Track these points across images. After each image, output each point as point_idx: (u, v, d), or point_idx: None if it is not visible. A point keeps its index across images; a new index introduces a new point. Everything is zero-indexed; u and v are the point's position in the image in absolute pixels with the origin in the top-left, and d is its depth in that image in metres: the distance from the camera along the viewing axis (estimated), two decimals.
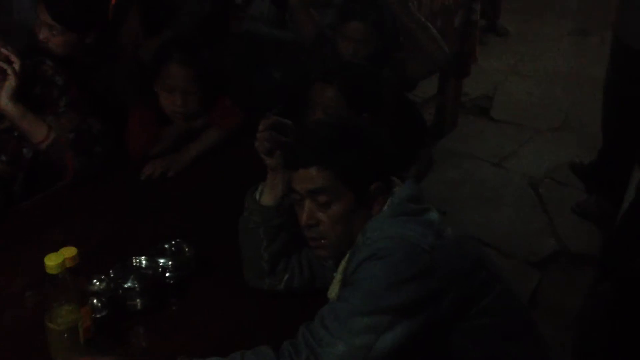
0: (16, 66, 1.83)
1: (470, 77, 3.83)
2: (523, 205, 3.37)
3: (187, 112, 2.20)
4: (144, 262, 1.57)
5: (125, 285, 1.50)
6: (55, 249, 1.33)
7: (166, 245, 1.62)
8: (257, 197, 1.55)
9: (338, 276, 1.41)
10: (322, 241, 1.41)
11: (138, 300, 1.50)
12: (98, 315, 1.46)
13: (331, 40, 2.65)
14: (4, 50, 1.82)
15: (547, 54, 4.99)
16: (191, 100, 2.19)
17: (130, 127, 2.22)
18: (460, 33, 3.50)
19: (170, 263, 1.57)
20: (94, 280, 1.50)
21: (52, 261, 1.28)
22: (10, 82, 1.82)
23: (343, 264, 1.40)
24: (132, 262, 1.56)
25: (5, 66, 1.82)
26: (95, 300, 1.47)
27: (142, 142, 2.20)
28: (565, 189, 3.50)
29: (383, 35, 2.53)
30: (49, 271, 1.29)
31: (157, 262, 1.57)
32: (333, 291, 1.42)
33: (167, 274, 1.57)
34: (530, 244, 3.08)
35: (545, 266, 2.96)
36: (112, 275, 1.52)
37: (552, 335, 2.43)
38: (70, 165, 1.94)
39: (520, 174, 3.61)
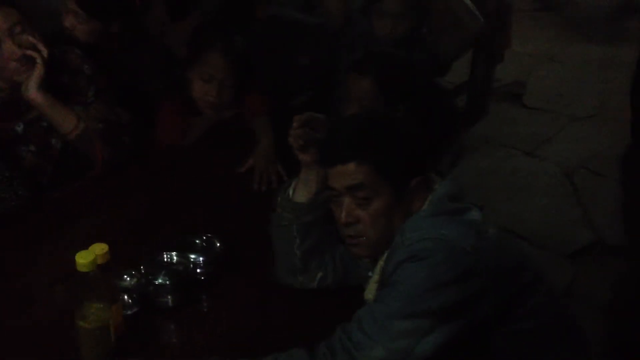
0: (44, 54, 1.80)
1: (503, 62, 3.73)
2: (557, 195, 3.29)
3: (220, 103, 2.16)
4: (174, 257, 1.54)
5: (157, 282, 1.47)
6: (84, 241, 1.30)
7: (197, 240, 1.59)
8: (290, 193, 1.51)
9: (375, 277, 1.37)
10: (361, 239, 1.36)
11: (169, 296, 1.47)
12: (129, 312, 1.43)
13: (361, 23, 2.59)
14: (31, 39, 1.79)
15: (581, 39, 4.87)
16: (226, 92, 2.14)
17: (159, 118, 2.18)
18: (493, 17, 3.41)
19: (201, 259, 1.54)
20: (125, 276, 1.48)
21: (84, 259, 1.25)
22: (39, 71, 1.79)
23: (380, 263, 1.35)
24: (163, 258, 1.54)
25: (34, 54, 1.79)
26: (125, 297, 1.44)
27: (172, 133, 2.16)
28: (600, 179, 3.41)
29: (420, 9, 2.48)
30: (80, 269, 1.25)
31: (188, 258, 1.54)
32: (370, 292, 1.38)
33: (198, 270, 1.54)
34: (564, 235, 3.01)
35: (580, 258, 2.89)
36: (142, 271, 1.50)
37: (588, 329, 2.38)
38: (99, 156, 1.91)
39: (554, 163, 3.53)
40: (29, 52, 1.79)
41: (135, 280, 1.48)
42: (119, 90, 2.11)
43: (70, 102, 1.90)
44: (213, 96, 2.12)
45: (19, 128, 1.87)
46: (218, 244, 1.59)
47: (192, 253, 1.55)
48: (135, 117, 2.07)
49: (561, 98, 4.13)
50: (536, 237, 2.96)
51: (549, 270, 2.70)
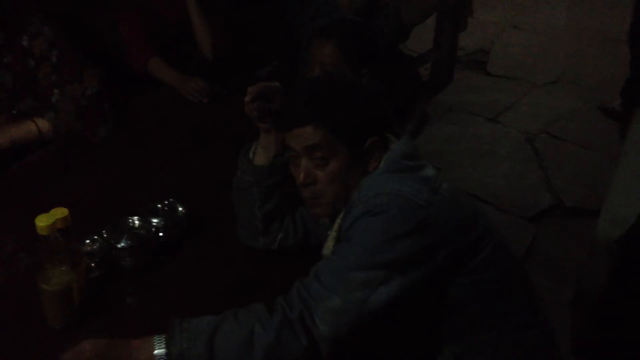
0: None
1: (467, 30, 3.77)
2: (519, 160, 3.36)
3: None
4: (136, 222, 1.55)
5: (119, 246, 1.48)
6: (46, 210, 1.31)
7: (159, 205, 1.61)
8: (250, 156, 1.53)
9: (333, 233, 1.39)
10: (320, 200, 1.38)
11: (131, 260, 1.49)
12: (92, 276, 1.45)
13: None
14: None
15: (544, 6, 4.92)
16: None
17: (122, 35, 2.31)
18: None
19: (163, 222, 1.56)
20: (87, 241, 1.49)
21: (43, 222, 1.26)
22: None
23: (338, 221, 1.38)
24: (125, 222, 1.55)
25: None
26: (88, 261, 1.45)
27: (141, 44, 2.29)
28: (561, 144, 3.49)
29: None
30: (40, 232, 1.27)
31: (150, 222, 1.55)
32: (327, 248, 1.40)
33: (160, 234, 1.56)
34: (525, 198, 3.08)
35: (541, 220, 2.96)
36: (105, 236, 1.51)
37: (547, 288, 2.47)
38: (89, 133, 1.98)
39: (516, 129, 3.60)
40: None
41: (97, 244, 1.49)
42: (85, 54, 2.10)
43: (36, 67, 1.89)
44: None
45: None
46: (180, 209, 1.61)
47: (154, 217, 1.57)
48: (101, 86, 2.06)
49: (523, 65, 4.19)
50: (499, 200, 3.03)
51: (511, 232, 2.78)
